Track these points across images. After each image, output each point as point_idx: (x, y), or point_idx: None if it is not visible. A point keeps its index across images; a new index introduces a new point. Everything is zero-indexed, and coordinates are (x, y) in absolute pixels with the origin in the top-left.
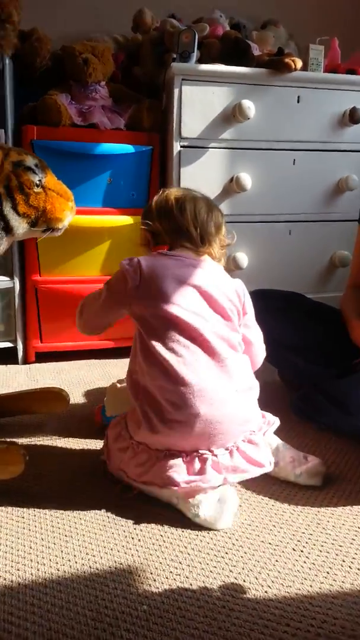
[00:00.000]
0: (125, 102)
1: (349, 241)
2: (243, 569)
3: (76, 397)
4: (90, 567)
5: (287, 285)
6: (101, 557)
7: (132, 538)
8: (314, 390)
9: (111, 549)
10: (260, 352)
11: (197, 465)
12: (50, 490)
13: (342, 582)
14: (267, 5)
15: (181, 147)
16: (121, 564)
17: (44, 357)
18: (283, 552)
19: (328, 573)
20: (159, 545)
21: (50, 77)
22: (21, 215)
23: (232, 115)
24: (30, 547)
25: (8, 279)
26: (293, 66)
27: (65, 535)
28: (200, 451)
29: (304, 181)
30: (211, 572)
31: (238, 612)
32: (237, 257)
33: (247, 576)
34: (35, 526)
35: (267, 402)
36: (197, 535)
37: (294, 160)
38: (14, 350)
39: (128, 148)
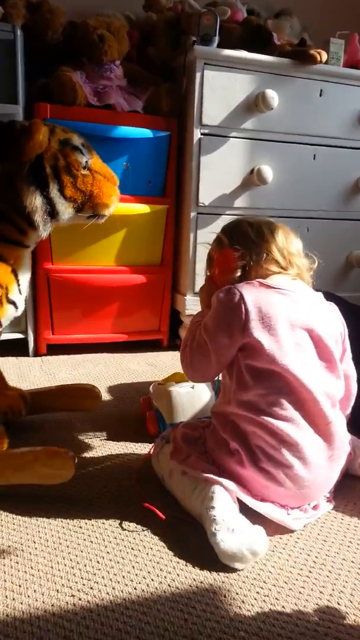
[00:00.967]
0: (141, 83)
1: None
2: (334, 590)
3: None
4: (169, 585)
5: None
6: (178, 574)
7: (204, 550)
8: None
9: (185, 565)
10: (355, 386)
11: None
12: (103, 497)
13: None
14: None
15: (201, 134)
16: (201, 582)
17: (55, 349)
18: None
19: None
20: None
21: (60, 53)
22: (68, 199)
23: (255, 104)
24: (98, 562)
25: None
26: (318, 58)
27: (132, 549)
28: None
29: (323, 177)
30: (300, 593)
31: None
32: None
33: (340, 598)
34: (97, 537)
35: None
36: (274, 552)
37: (314, 155)
38: (24, 341)
39: (146, 132)
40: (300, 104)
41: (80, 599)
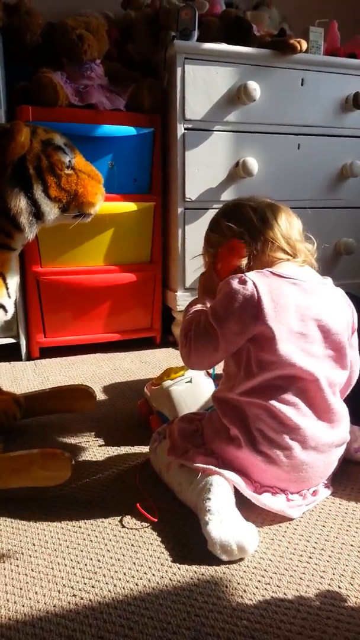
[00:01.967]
0: (122, 81)
1: (354, 228)
2: (334, 574)
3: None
4: (170, 579)
5: None
6: (178, 568)
7: (204, 543)
8: None
9: (185, 559)
10: (357, 374)
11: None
12: (101, 497)
13: None
14: None
15: (185, 129)
16: (202, 574)
17: (48, 352)
18: None
19: None
20: None
21: (39, 54)
22: (53, 200)
23: (237, 96)
24: (99, 561)
25: None
26: (299, 47)
27: (132, 545)
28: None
29: (308, 166)
30: (301, 579)
31: (347, 624)
32: None
33: (341, 582)
34: (96, 536)
35: None
36: (274, 540)
37: (299, 144)
38: (16, 346)
39: (130, 130)
40: (283, 94)
41: (82, 598)
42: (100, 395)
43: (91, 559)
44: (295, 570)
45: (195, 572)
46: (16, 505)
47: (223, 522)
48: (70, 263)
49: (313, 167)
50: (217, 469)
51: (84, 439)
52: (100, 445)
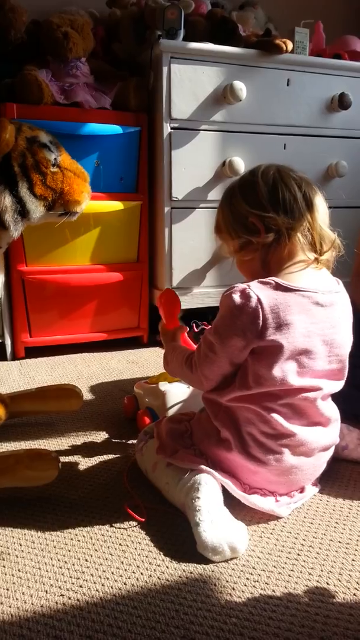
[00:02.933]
0: (107, 80)
1: (340, 228)
2: (322, 570)
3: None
4: (158, 578)
5: None
6: (167, 567)
7: (192, 541)
8: None
9: (174, 557)
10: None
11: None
12: (88, 496)
13: None
14: None
15: (171, 128)
16: (191, 572)
17: (34, 351)
18: (357, 550)
19: None
20: None
21: (24, 52)
22: (38, 198)
23: (223, 96)
24: (86, 560)
25: None
26: (284, 48)
27: (120, 544)
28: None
29: (294, 166)
30: (290, 575)
31: (335, 620)
32: None
33: (329, 578)
34: (84, 536)
35: None
36: (262, 537)
37: (285, 144)
38: (1, 346)
39: (116, 129)
40: (268, 94)
41: (69, 598)
42: (87, 395)
43: (79, 559)
44: (283, 567)
45: (184, 570)
46: (2, 506)
47: (214, 522)
48: (56, 262)
49: (299, 167)
50: (206, 468)
51: (70, 439)
52: (87, 445)
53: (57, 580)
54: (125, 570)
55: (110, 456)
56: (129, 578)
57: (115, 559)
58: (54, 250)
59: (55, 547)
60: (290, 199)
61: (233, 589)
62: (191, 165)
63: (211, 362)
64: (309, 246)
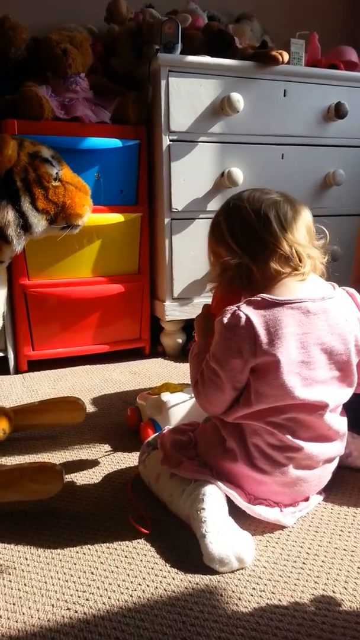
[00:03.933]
0: (107, 94)
1: (338, 236)
2: (328, 579)
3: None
4: (164, 589)
5: None
6: (173, 578)
7: (197, 552)
8: None
9: (180, 568)
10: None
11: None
12: (92, 509)
13: None
14: None
15: (170, 141)
16: (197, 583)
17: (36, 365)
18: None
19: None
20: None
21: (24, 68)
22: (40, 212)
23: (221, 108)
24: (92, 573)
25: None
26: (280, 59)
27: (126, 557)
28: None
29: (292, 176)
30: (296, 585)
31: (342, 628)
32: None
33: (335, 586)
34: (89, 548)
35: None
36: (267, 547)
37: (282, 154)
38: (4, 359)
39: (116, 142)
40: (266, 104)
41: (76, 612)
42: (90, 407)
43: (84, 572)
44: (289, 576)
45: (190, 582)
46: (7, 520)
47: (220, 533)
48: (57, 275)
49: (297, 176)
50: (212, 479)
51: (74, 451)
52: (90, 457)
53: (63, 594)
54: (132, 582)
55: (114, 468)
56: (135, 590)
57: (121, 571)
58: (55, 264)
59: (60, 560)
60: (247, 229)
61: (239, 599)
62: (190, 177)
63: (216, 388)
64: (285, 265)
